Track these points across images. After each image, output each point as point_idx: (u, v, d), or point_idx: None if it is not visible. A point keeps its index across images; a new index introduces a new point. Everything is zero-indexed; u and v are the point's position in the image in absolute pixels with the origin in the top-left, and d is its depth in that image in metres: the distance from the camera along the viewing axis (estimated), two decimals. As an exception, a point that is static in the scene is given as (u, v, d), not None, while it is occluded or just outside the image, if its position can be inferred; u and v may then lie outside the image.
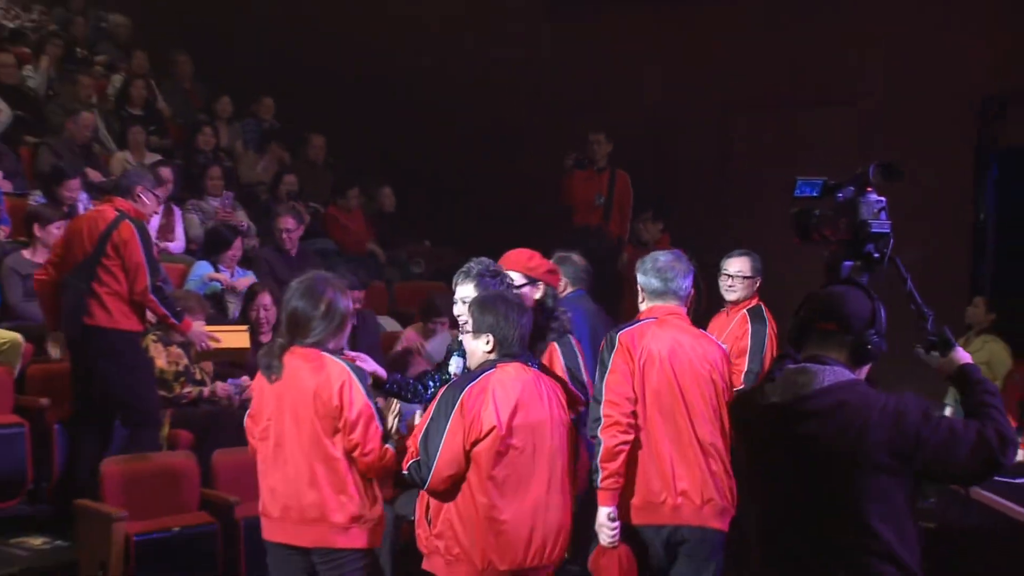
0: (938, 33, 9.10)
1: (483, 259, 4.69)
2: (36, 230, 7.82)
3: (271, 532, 4.53)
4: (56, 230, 7.60)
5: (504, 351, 4.32)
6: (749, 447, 3.42)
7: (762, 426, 3.28)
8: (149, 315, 6.74)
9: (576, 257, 5.53)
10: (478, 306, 4.38)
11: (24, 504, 6.64)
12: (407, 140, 11.61)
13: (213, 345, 6.85)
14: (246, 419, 4.63)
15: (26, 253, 7.77)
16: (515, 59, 11.32)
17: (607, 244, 10.01)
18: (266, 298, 7.63)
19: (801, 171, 8.94)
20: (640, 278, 4.79)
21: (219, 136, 10.65)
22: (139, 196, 6.68)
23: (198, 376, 7.21)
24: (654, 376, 4.59)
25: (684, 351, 4.65)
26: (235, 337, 7.16)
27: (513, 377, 4.28)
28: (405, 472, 4.30)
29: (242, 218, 9.37)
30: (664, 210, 9.61)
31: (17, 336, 7.15)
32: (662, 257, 4.77)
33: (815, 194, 3.89)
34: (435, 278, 10.05)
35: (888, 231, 3.75)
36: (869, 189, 3.80)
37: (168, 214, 8.87)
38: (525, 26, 11.46)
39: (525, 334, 4.37)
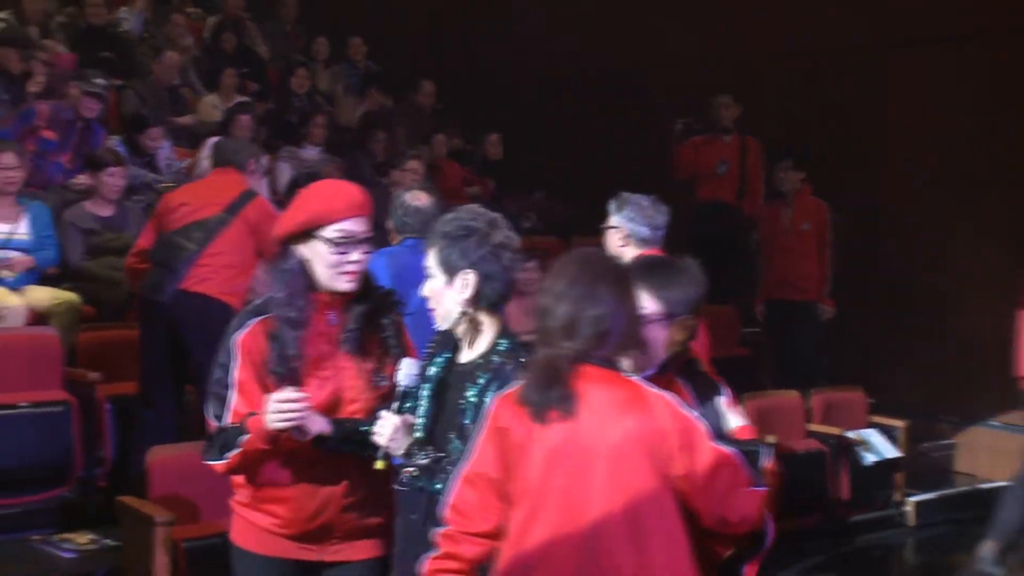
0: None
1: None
2: (89, 177, 5.99)
3: None
4: (108, 178, 5.90)
5: None
6: None
7: None
8: None
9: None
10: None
11: (73, 494, 4.93)
12: (519, 87, 9.15)
13: None
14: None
15: (88, 205, 5.96)
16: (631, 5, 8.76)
17: (739, 224, 7.40)
18: None
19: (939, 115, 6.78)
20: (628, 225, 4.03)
21: (316, 79, 8.48)
22: (251, 172, 5.09)
23: None
24: None
25: None
26: None
27: None
28: None
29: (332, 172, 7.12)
30: (804, 158, 6.97)
31: (74, 297, 5.56)
32: (644, 202, 4.09)
33: None
34: (548, 232, 7.63)
35: None
36: None
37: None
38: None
39: None
